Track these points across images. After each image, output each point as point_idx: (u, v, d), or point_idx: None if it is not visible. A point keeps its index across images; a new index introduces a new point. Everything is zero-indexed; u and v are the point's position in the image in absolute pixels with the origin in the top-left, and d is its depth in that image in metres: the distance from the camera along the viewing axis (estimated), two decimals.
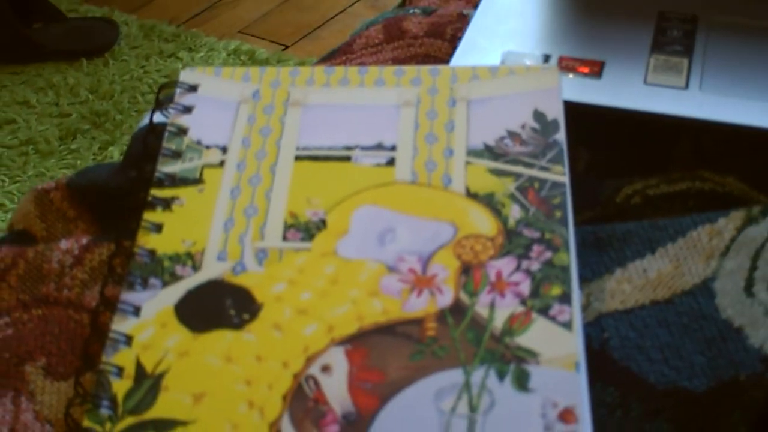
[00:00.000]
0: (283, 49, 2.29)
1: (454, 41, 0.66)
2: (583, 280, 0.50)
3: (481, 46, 0.62)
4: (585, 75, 0.59)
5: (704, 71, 0.58)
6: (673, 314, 0.47)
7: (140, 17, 2.40)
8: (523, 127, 0.53)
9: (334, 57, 0.71)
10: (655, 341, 0.46)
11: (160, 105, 0.57)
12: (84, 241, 0.54)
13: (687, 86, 0.57)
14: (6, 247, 0.55)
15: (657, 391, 0.44)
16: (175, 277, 0.49)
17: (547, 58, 0.60)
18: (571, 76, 0.59)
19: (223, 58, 2.21)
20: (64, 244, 0.54)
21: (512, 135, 0.53)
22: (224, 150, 0.55)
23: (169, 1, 2.47)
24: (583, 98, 0.56)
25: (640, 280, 0.49)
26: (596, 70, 0.59)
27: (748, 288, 0.47)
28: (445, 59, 0.66)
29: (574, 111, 0.55)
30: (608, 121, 0.57)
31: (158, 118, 0.57)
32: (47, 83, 2.19)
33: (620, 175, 0.56)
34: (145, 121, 0.61)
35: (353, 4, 2.41)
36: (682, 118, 0.55)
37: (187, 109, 0.57)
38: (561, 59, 0.60)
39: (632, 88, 0.57)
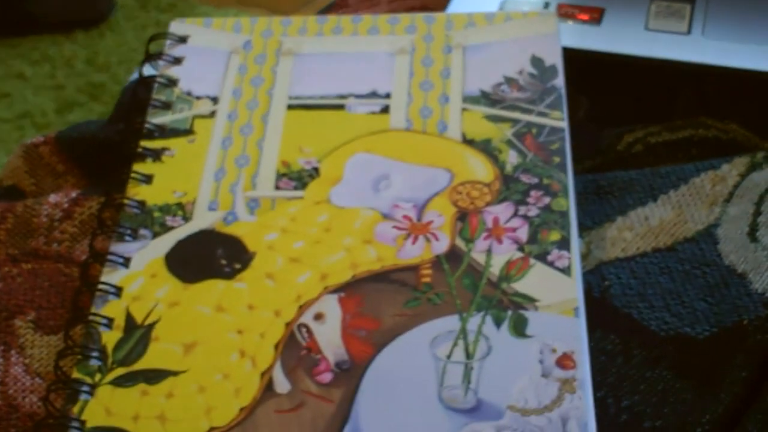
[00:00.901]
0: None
1: None
2: (584, 228, 0.49)
3: None
4: (585, 22, 0.58)
5: (707, 17, 0.57)
6: (675, 261, 0.46)
7: None
8: (520, 72, 0.52)
9: (329, 11, 0.70)
10: (656, 288, 0.45)
11: (149, 57, 0.56)
12: (73, 194, 0.53)
13: (689, 32, 0.56)
14: None
15: (658, 337, 0.43)
16: (165, 228, 0.48)
17: (546, 5, 0.59)
18: (570, 22, 0.58)
19: None
20: (53, 197, 0.53)
21: (509, 81, 0.52)
22: (215, 100, 0.54)
23: None
24: (583, 45, 0.56)
25: (642, 228, 0.48)
26: (596, 16, 0.58)
27: (752, 233, 0.46)
28: (443, 11, 0.64)
29: (574, 58, 0.54)
30: (609, 68, 0.56)
31: (148, 70, 0.56)
32: (43, 56, 2.17)
33: (621, 123, 0.55)
34: (136, 75, 0.60)
35: None
36: (684, 63, 0.54)
37: (177, 60, 0.56)
38: (560, 6, 0.59)
39: (633, 34, 0.56)
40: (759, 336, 0.41)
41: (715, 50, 0.55)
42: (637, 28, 0.57)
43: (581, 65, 0.55)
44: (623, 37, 0.56)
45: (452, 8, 0.60)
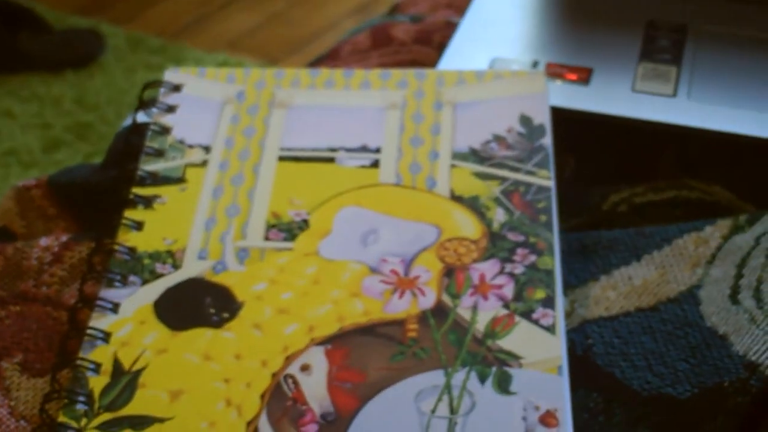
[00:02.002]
0: (272, 63, 2.29)
1: (441, 48, 0.66)
2: (568, 286, 0.50)
3: (469, 52, 0.62)
4: (573, 82, 0.59)
5: (693, 80, 0.58)
6: (657, 321, 0.47)
7: (127, 30, 2.39)
8: (509, 131, 0.53)
9: (320, 63, 0.71)
10: (639, 348, 0.46)
11: (143, 104, 0.57)
12: (64, 238, 0.53)
13: (675, 94, 0.57)
14: None
15: (640, 397, 0.44)
16: (154, 275, 0.49)
17: (535, 65, 0.60)
18: (558, 82, 0.59)
19: None
20: (43, 241, 0.53)
21: (498, 139, 0.53)
22: (207, 149, 0.54)
23: (156, 15, 2.47)
24: (571, 104, 0.56)
25: (625, 288, 0.49)
26: (584, 76, 0.59)
27: (734, 296, 0.46)
28: (433, 66, 0.65)
29: (562, 117, 0.55)
30: (596, 128, 0.56)
31: (141, 118, 0.56)
32: (32, 94, 2.17)
33: (607, 183, 0.55)
34: (129, 121, 0.60)
35: (343, 19, 2.42)
36: (669, 125, 0.55)
37: (171, 109, 0.57)
38: (549, 65, 0.60)
39: (620, 95, 0.57)
40: (739, 398, 0.42)
41: (700, 113, 0.56)
42: (624, 89, 0.58)
43: (569, 124, 0.56)
44: (610, 98, 0.57)
45: (443, 64, 0.61)
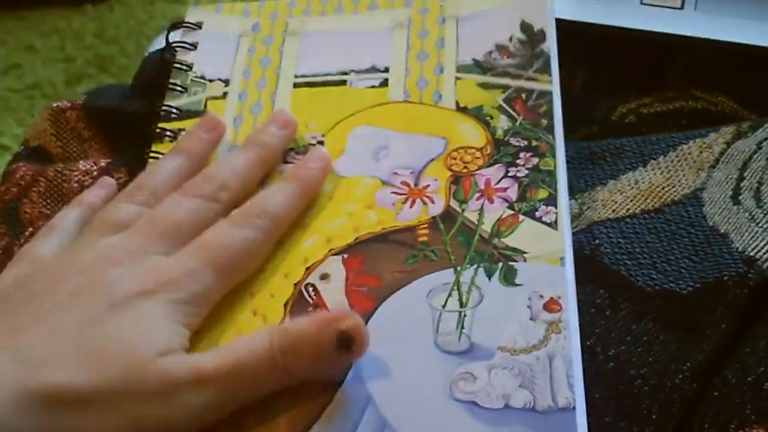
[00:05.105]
0: None
1: None
2: (577, 190, 0.52)
3: None
4: None
5: None
6: (662, 222, 0.49)
7: None
8: (510, 39, 0.54)
9: None
10: (644, 247, 0.48)
11: (168, 45, 0.59)
12: (102, 163, 0.56)
13: (682, 6, 0.59)
14: (24, 164, 0.57)
15: (645, 292, 0.45)
16: None
17: None
18: None
19: None
20: (83, 165, 0.56)
21: (500, 48, 0.54)
22: (226, 82, 0.57)
23: None
24: (581, 17, 0.58)
25: (632, 191, 0.51)
26: None
27: (735, 196, 0.48)
28: None
29: (571, 29, 0.57)
30: (604, 40, 0.58)
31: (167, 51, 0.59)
32: (52, 28, 2.18)
33: (616, 94, 0.57)
34: (151, 49, 0.62)
35: None
36: (676, 36, 0.56)
37: (192, 46, 0.59)
38: None
39: (629, 8, 0.59)
40: (738, 291, 0.44)
41: (706, 24, 0.57)
42: (632, 2, 0.59)
43: (578, 37, 0.57)
44: (619, 11, 0.58)
45: None
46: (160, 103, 0.56)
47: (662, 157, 0.52)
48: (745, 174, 0.49)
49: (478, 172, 0.49)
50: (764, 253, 0.45)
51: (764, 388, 0.41)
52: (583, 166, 0.52)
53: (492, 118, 0.51)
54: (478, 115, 0.52)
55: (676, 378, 0.42)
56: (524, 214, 0.47)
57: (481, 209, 0.47)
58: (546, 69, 0.53)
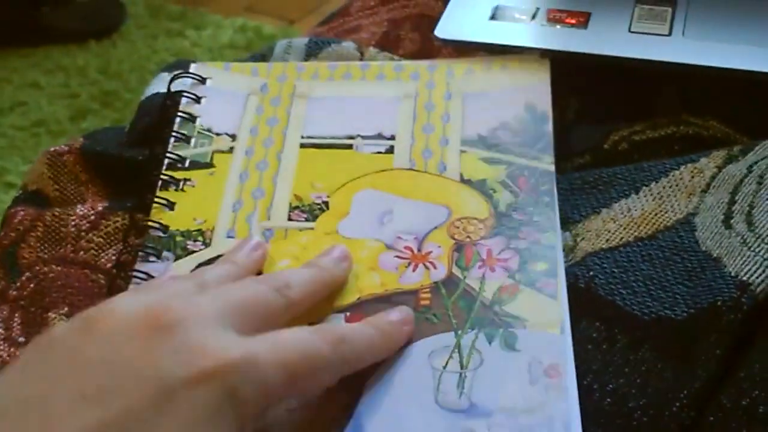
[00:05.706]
0: (289, 25, 2.31)
1: (447, 0, 0.68)
2: (572, 222, 0.52)
3: (472, 1, 0.64)
4: (572, 26, 0.61)
5: (687, 19, 0.60)
6: (655, 249, 0.49)
7: None
8: (514, 118, 0.56)
9: (331, 20, 0.73)
10: (638, 275, 0.48)
11: (171, 94, 0.60)
12: (99, 207, 0.57)
13: (670, 33, 0.59)
14: (23, 208, 0.57)
15: (641, 321, 0.46)
16: (186, 251, 0.52)
17: (536, 11, 0.62)
18: (558, 27, 0.61)
19: (229, 35, 2.22)
20: (80, 209, 0.57)
21: (504, 126, 0.56)
22: (233, 138, 0.58)
23: None
24: (571, 48, 0.58)
25: (625, 219, 0.51)
26: (583, 20, 0.61)
27: (727, 221, 0.49)
28: (437, 16, 0.67)
29: (563, 60, 0.57)
30: (595, 69, 0.59)
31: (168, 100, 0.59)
32: (57, 65, 2.20)
33: (608, 122, 0.58)
34: (150, 91, 0.63)
35: None
36: (665, 63, 0.57)
37: (198, 99, 0.60)
38: (549, 11, 0.62)
39: (617, 37, 0.59)
40: (732, 316, 0.44)
41: (695, 50, 0.57)
42: (621, 31, 0.60)
43: (570, 67, 0.58)
44: (608, 40, 0.59)
45: (448, 14, 0.64)
46: (162, 150, 0.57)
47: (654, 183, 0.52)
48: (737, 198, 0.50)
49: (480, 241, 0.50)
50: (757, 278, 0.45)
51: (759, 412, 0.41)
52: (577, 196, 0.53)
53: (495, 191, 0.53)
54: (481, 188, 0.53)
55: (673, 407, 0.43)
56: (524, 284, 0.48)
57: (483, 277, 0.49)
58: (547, 150, 0.54)
